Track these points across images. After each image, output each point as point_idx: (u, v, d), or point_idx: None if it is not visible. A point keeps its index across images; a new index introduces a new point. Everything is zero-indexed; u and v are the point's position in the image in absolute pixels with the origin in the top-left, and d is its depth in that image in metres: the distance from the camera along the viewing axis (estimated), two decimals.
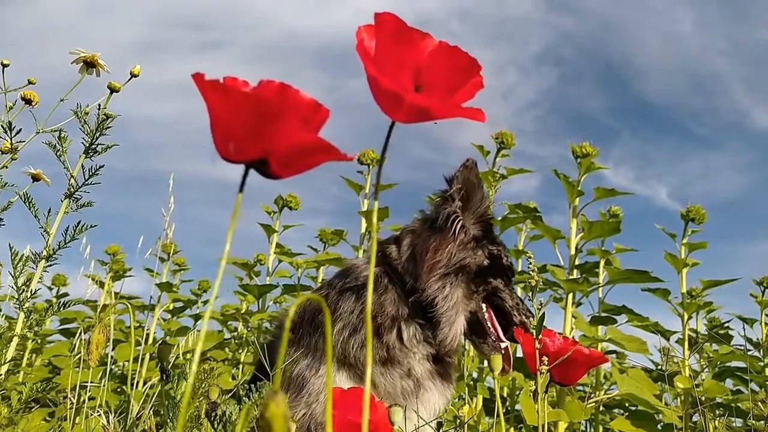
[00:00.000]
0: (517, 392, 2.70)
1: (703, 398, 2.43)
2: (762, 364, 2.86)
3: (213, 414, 1.19)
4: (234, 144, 0.42)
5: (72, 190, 1.50)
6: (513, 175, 2.79)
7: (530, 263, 1.19)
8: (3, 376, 1.47)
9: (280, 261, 3.42)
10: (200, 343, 0.45)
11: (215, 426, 1.18)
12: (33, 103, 1.69)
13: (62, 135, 1.50)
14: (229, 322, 3.70)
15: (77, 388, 2.12)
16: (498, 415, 1.36)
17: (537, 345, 1.10)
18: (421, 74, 0.48)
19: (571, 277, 2.61)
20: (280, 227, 3.41)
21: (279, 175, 0.44)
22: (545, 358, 1.11)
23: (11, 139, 1.69)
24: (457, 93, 0.48)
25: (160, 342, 3.12)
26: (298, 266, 3.37)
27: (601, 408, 2.68)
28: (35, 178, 1.71)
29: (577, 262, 2.69)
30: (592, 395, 2.66)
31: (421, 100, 0.46)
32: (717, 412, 2.57)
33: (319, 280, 3.41)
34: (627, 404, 2.67)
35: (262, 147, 0.42)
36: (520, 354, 2.79)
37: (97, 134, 1.51)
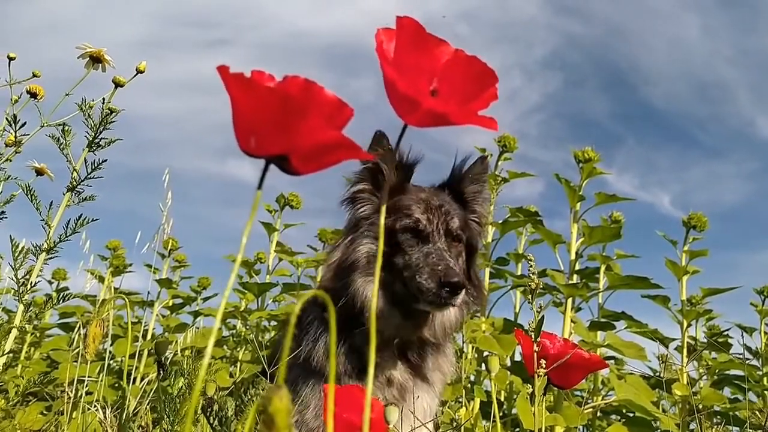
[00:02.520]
0: (514, 396, 2.70)
1: (700, 406, 2.43)
2: (760, 373, 2.85)
3: (209, 410, 1.19)
4: (256, 138, 0.42)
5: (74, 183, 1.51)
6: (515, 178, 2.79)
7: (531, 266, 1.19)
8: (1, 368, 1.47)
9: (280, 259, 3.43)
10: (212, 338, 0.45)
11: (211, 422, 1.18)
12: (38, 97, 1.69)
13: (66, 128, 1.50)
14: (227, 320, 3.70)
15: (75, 382, 2.12)
16: (495, 419, 1.35)
17: (536, 347, 1.10)
18: (437, 80, 0.48)
19: (570, 282, 2.61)
20: (281, 226, 3.41)
21: (299, 171, 0.44)
22: (543, 361, 1.11)
23: (15, 132, 1.69)
24: (472, 101, 0.48)
25: (159, 335, 3.12)
26: (298, 265, 3.37)
27: (599, 414, 2.67)
28: (39, 173, 1.72)
29: (577, 267, 2.69)
30: (590, 401, 2.65)
31: (439, 106, 0.46)
32: (714, 420, 2.56)
33: (318, 279, 3.41)
34: (624, 410, 2.67)
35: (284, 143, 0.41)
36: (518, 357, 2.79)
37: (101, 128, 1.51)
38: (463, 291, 1.41)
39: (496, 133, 2.85)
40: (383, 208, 0.52)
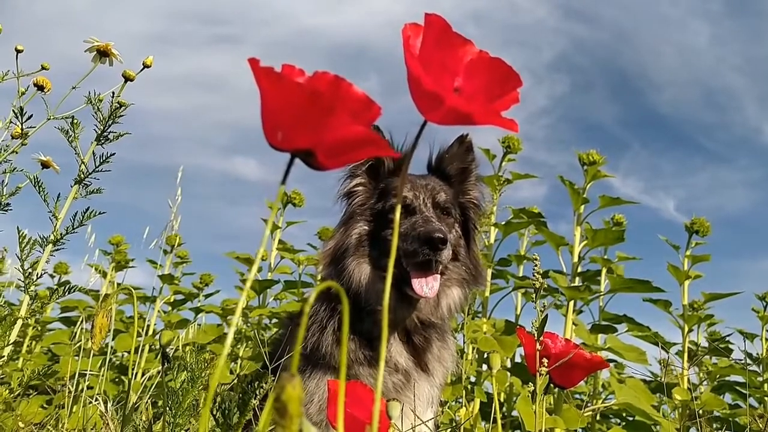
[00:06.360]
0: (514, 398, 2.70)
1: (701, 411, 2.42)
2: (761, 379, 2.85)
3: (213, 402, 1.19)
4: (283, 132, 0.42)
5: (82, 176, 1.51)
6: (518, 179, 2.80)
7: (535, 266, 1.19)
8: (5, 358, 1.48)
9: (282, 257, 3.43)
10: (230, 330, 0.46)
11: (214, 413, 1.18)
12: (45, 90, 1.70)
13: (75, 121, 1.51)
14: (228, 317, 3.70)
15: (76, 376, 2.12)
16: (495, 421, 1.36)
17: (538, 346, 1.11)
18: (461, 79, 0.49)
19: (572, 284, 2.61)
20: (284, 224, 3.42)
21: (324, 166, 0.44)
22: (545, 360, 1.11)
23: (22, 124, 1.70)
24: (494, 102, 0.49)
25: (161, 330, 3.12)
26: (300, 263, 3.38)
27: (598, 417, 2.67)
28: (45, 165, 1.72)
29: (579, 270, 2.69)
30: (590, 404, 2.65)
31: (462, 105, 0.46)
32: (714, 425, 2.56)
33: (319, 278, 3.42)
34: (624, 414, 2.67)
35: (311, 137, 0.41)
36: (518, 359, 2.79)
37: (110, 122, 1.51)
38: (447, 246, 1.43)
39: (501, 134, 2.85)
40: (398, 208, 0.52)
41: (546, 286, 2.74)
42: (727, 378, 2.88)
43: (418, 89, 0.46)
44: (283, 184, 0.43)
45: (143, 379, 2.31)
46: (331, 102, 0.39)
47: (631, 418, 2.63)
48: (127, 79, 1.54)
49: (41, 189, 1.47)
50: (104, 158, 1.49)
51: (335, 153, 0.43)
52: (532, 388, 1.15)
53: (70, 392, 2.00)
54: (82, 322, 2.75)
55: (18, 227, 1.45)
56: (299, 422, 0.40)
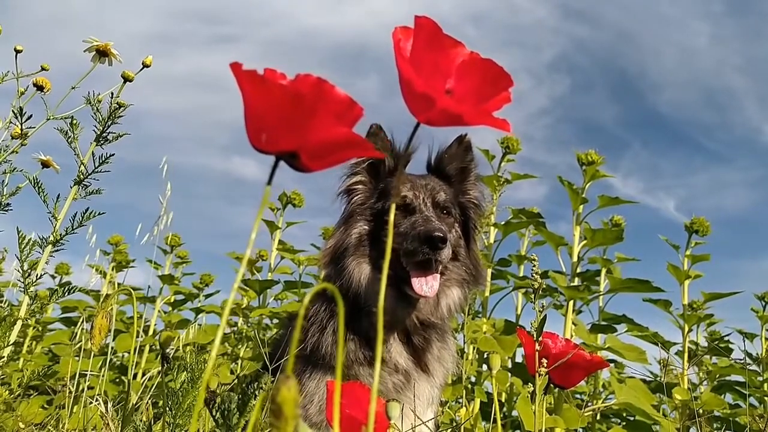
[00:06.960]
0: (515, 398, 2.70)
1: (701, 411, 2.42)
2: (761, 378, 2.85)
3: (212, 403, 1.19)
4: (266, 135, 0.42)
5: (82, 176, 1.51)
6: (518, 180, 2.80)
7: (534, 266, 1.19)
8: (5, 359, 1.48)
9: (282, 257, 3.43)
10: (220, 332, 0.46)
11: (214, 414, 1.18)
12: (45, 90, 1.70)
13: (74, 121, 1.51)
14: (229, 317, 3.71)
15: (76, 376, 2.12)
16: (495, 421, 1.36)
17: (537, 346, 1.11)
18: (452, 80, 0.49)
19: (572, 284, 2.61)
20: (283, 224, 3.42)
21: (309, 168, 0.44)
22: (545, 360, 1.11)
23: (21, 124, 1.70)
24: (486, 103, 0.49)
25: (161, 330, 3.12)
26: (300, 263, 3.38)
27: (599, 417, 2.67)
28: (45, 165, 1.72)
29: (578, 270, 2.69)
30: (590, 403, 2.66)
31: (453, 106, 0.46)
32: (715, 425, 2.56)
33: (321, 277, 3.42)
34: (624, 414, 2.67)
35: (295, 140, 0.42)
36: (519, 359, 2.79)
37: (109, 122, 1.52)
38: (447, 246, 1.43)
39: (500, 135, 2.85)
40: (392, 208, 0.52)
41: (545, 286, 2.75)
42: (727, 378, 2.87)
43: (410, 91, 0.46)
44: (268, 185, 0.43)
45: (143, 379, 2.32)
46: (313, 104, 0.40)
47: (631, 418, 2.63)
48: (126, 79, 1.54)
49: (41, 190, 1.47)
50: (103, 159, 1.49)
51: (319, 155, 0.43)
52: (532, 388, 1.15)
53: (70, 393, 2.01)
54: (82, 322, 2.75)
55: (18, 228, 1.45)
56: (294, 424, 0.40)
